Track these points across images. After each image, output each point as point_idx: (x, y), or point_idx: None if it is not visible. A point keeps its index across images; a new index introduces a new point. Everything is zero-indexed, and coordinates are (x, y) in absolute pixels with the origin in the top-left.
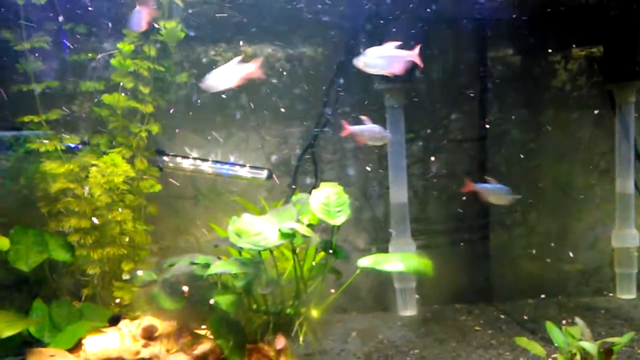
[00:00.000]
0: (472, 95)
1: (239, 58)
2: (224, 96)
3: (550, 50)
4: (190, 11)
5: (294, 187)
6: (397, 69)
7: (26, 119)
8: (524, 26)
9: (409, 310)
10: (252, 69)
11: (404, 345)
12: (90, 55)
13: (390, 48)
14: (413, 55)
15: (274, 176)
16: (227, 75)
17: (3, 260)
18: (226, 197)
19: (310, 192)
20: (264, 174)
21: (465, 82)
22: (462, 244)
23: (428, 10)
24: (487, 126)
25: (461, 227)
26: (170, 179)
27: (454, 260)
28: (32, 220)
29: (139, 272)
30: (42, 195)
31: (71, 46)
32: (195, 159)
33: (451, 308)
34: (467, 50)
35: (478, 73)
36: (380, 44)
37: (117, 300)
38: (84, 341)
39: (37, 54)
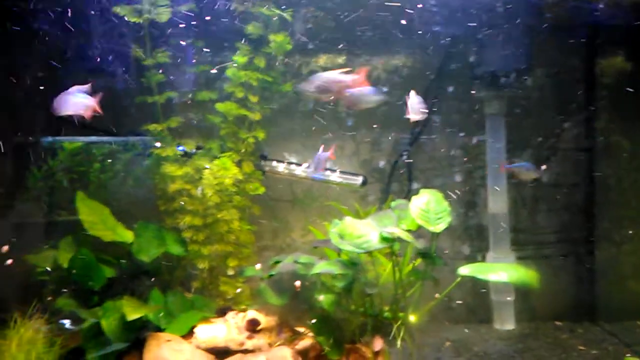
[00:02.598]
0: (583, 103)
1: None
2: (324, 107)
3: None
4: (309, 26)
5: (387, 193)
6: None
7: (151, 127)
8: (637, 32)
9: (506, 324)
10: (349, 79)
11: (500, 359)
12: (204, 67)
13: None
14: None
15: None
16: (327, 82)
17: (127, 252)
18: (321, 202)
19: (405, 199)
20: (359, 180)
21: (576, 91)
22: (565, 257)
23: (538, 17)
24: (597, 136)
25: (565, 239)
26: (272, 183)
27: (557, 275)
28: (149, 217)
29: (258, 266)
30: (161, 194)
31: (191, 59)
32: (289, 163)
33: (551, 325)
34: (578, 57)
35: (589, 81)
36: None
37: (237, 291)
38: (195, 329)
39: (160, 69)
